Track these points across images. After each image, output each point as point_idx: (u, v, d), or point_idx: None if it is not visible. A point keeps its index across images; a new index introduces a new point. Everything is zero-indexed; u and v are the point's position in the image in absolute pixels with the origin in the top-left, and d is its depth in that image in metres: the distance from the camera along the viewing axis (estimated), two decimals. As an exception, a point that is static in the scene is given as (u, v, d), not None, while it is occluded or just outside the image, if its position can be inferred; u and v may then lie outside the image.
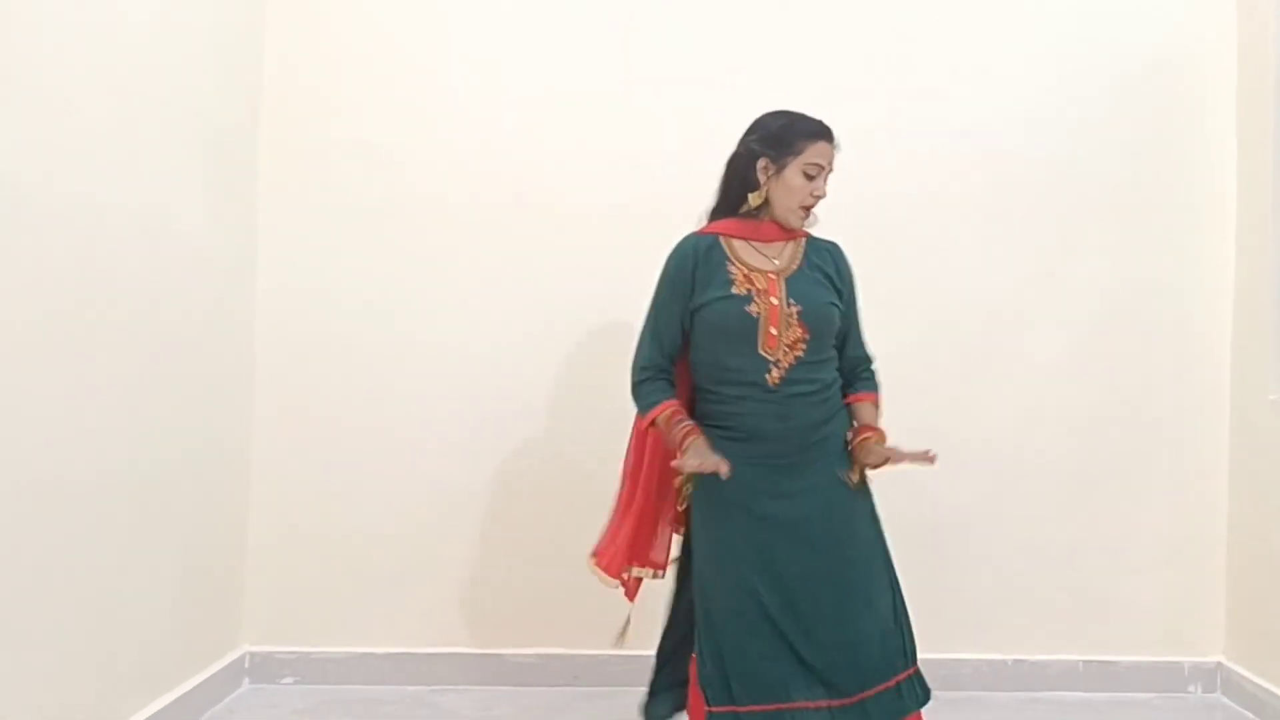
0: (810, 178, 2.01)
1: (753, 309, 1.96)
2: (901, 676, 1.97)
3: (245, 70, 2.91)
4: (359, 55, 3.02)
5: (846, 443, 2.05)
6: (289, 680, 2.95)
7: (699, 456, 1.90)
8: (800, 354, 1.97)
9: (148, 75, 2.38)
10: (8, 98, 1.88)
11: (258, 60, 2.97)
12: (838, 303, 2.08)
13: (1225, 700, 2.97)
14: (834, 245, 2.14)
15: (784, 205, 2.02)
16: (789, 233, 2.07)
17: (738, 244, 2.04)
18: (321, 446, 2.99)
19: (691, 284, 2.03)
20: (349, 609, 2.99)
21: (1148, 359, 3.05)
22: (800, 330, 1.96)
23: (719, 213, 2.11)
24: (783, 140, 2.01)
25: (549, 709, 2.81)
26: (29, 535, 1.97)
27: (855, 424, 2.08)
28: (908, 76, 3.04)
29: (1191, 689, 3.01)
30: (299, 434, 2.99)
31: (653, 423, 2.03)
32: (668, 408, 2.02)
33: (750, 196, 2.03)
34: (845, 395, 2.11)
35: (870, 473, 2.05)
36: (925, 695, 2.00)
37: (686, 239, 2.10)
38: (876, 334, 2.97)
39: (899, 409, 3.00)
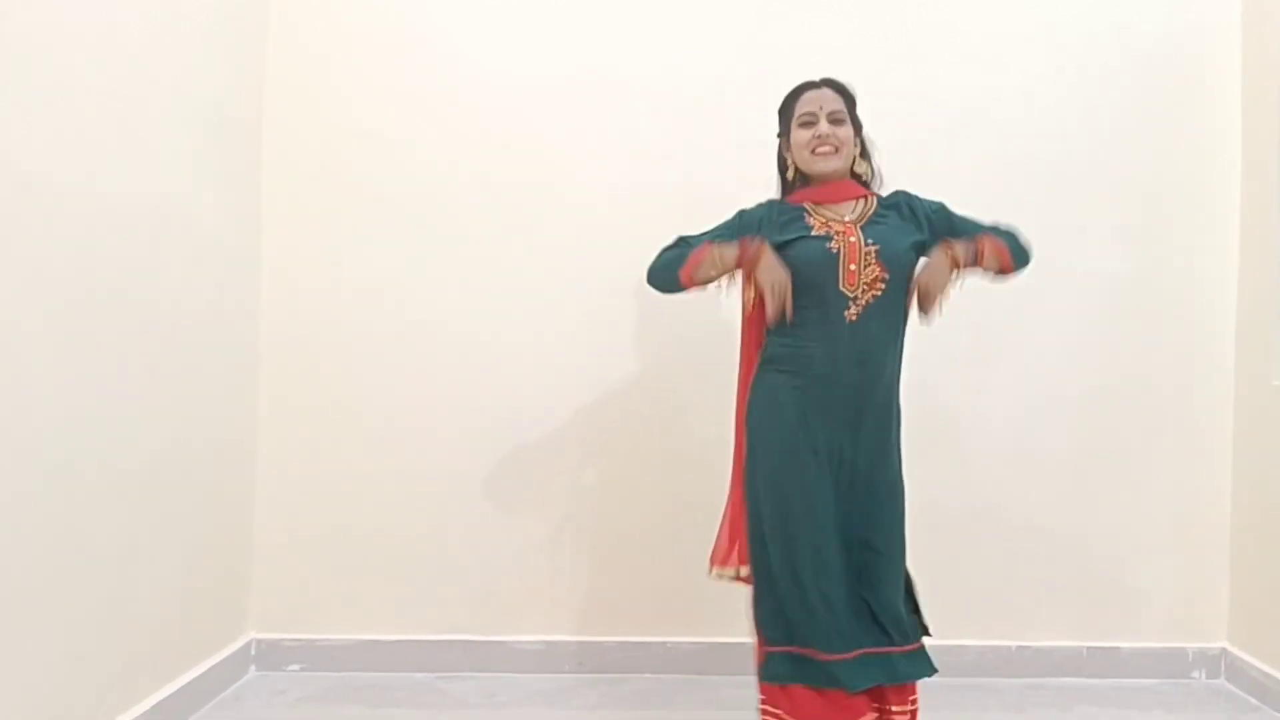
0: (808, 124, 2.10)
1: (833, 246, 2.03)
2: (918, 645, 2.09)
3: (249, 56, 2.91)
4: (364, 42, 3.01)
5: (897, 411, 2.13)
6: (295, 667, 2.97)
7: (772, 272, 1.99)
8: (879, 292, 2.02)
9: (150, 62, 2.37)
10: (10, 87, 1.88)
11: (261, 46, 2.97)
12: (919, 238, 2.11)
13: (1229, 686, 2.97)
14: (899, 192, 2.19)
15: (802, 161, 2.13)
16: (854, 193, 2.14)
17: (812, 206, 2.13)
18: (328, 435, 3.00)
19: (758, 230, 2.11)
20: (355, 596, 3.00)
21: (1152, 344, 3.04)
22: (879, 269, 2.03)
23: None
24: (782, 115, 2.20)
25: (553, 695, 2.82)
26: (38, 524, 1.97)
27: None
28: (914, 62, 3.03)
29: (1195, 675, 3.01)
30: (305, 422, 3.00)
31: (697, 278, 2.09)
32: (709, 245, 2.08)
33: (786, 175, 2.20)
34: None
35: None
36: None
37: (762, 202, 2.19)
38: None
39: (904, 394, 3.04)
